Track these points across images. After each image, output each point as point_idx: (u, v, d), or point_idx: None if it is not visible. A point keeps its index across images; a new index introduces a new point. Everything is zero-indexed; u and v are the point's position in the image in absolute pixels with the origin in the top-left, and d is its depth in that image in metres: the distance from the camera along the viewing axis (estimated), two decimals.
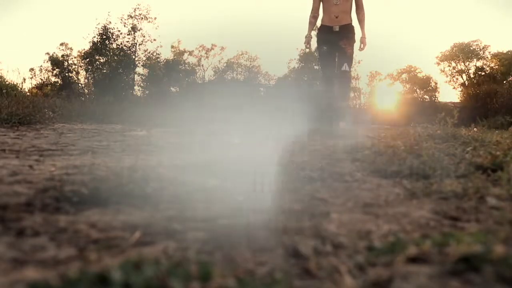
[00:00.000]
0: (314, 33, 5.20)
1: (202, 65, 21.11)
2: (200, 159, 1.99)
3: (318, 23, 5.17)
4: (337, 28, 4.82)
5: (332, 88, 4.95)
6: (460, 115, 3.44)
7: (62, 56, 18.45)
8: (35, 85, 17.67)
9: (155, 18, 17.74)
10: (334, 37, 4.83)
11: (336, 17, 4.85)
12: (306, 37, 5.14)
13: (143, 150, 2.44)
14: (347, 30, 4.85)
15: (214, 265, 0.67)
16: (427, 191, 1.35)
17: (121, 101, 12.45)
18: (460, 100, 18.98)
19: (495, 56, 18.67)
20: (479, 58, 19.02)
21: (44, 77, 18.33)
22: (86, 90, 18.45)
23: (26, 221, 0.91)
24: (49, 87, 17.57)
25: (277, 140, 3.69)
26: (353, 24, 4.95)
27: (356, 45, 4.98)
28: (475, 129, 4.16)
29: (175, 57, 20.17)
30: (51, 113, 4.62)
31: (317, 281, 0.65)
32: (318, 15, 5.04)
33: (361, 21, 4.98)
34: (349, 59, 4.88)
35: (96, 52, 17.43)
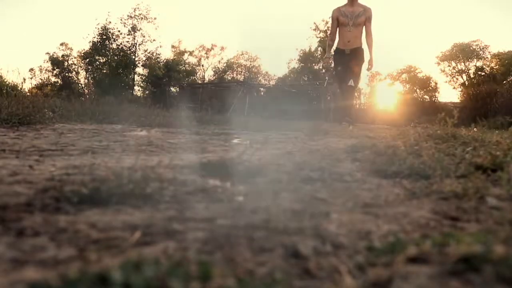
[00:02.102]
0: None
1: (202, 65, 21.11)
2: (200, 159, 1.98)
3: (334, 45, 6.41)
4: (348, 51, 5.96)
5: (345, 99, 6.17)
6: (460, 115, 3.43)
7: (62, 56, 18.47)
8: (35, 85, 17.67)
9: (155, 18, 17.74)
10: (346, 59, 5.96)
11: (348, 42, 5.94)
12: (325, 58, 6.65)
13: (143, 150, 2.44)
14: (357, 52, 6.00)
15: (214, 265, 0.67)
16: (427, 191, 1.35)
17: (121, 101, 12.45)
18: (460, 100, 18.99)
19: (495, 56, 18.68)
20: (479, 58, 19.03)
21: (44, 77, 18.36)
22: (86, 90, 18.46)
23: (26, 221, 0.91)
24: (49, 87, 17.55)
25: (277, 139, 3.69)
26: (362, 47, 6.06)
27: (364, 65, 6.12)
28: (475, 129, 4.16)
29: (175, 57, 20.17)
30: (51, 113, 4.61)
31: (317, 281, 0.65)
32: (335, 38, 6.18)
33: (369, 45, 6.02)
34: (355, 76, 6.03)
35: (96, 52, 17.43)
